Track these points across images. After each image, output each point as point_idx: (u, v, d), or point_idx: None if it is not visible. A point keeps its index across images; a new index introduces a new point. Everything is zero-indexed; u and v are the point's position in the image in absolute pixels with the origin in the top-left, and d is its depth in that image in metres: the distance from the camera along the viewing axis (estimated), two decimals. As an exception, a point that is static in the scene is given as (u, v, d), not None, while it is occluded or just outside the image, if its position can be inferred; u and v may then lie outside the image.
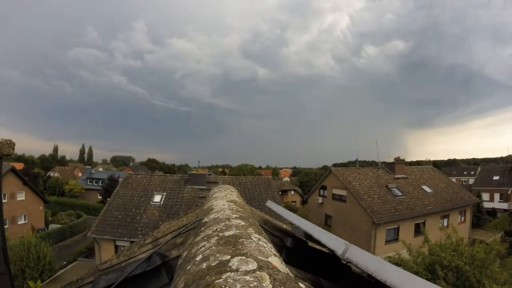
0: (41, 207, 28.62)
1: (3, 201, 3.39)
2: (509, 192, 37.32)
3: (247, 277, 0.58)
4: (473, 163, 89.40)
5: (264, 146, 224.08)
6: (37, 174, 47.96)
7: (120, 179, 32.43)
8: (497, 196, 38.77)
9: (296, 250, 1.51)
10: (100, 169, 68.98)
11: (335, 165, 59.91)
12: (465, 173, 60.24)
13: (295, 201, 52.86)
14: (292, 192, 56.29)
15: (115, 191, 18.95)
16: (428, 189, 21.90)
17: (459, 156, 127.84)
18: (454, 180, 31.76)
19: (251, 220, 1.24)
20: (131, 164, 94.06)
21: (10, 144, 2.41)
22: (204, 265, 0.69)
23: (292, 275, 0.67)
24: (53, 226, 27.81)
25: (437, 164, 58.45)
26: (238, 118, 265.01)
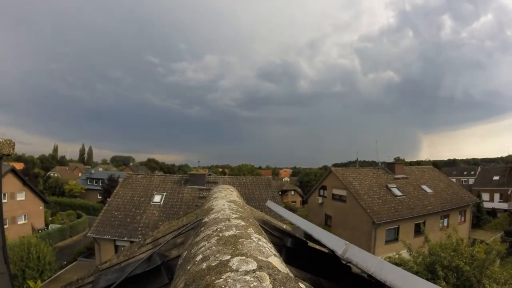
0: (41, 207, 28.61)
1: (3, 201, 3.39)
2: (509, 192, 37.30)
3: (247, 277, 0.58)
4: (473, 163, 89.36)
5: (264, 147, 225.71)
6: (37, 174, 47.98)
7: (120, 179, 32.43)
8: (497, 196, 38.75)
9: (296, 250, 1.51)
10: (100, 169, 68.97)
11: (335, 165, 59.89)
12: (465, 173, 60.21)
13: (295, 201, 52.87)
14: (292, 192, 56.30)
15: (115, 191, 18.94)
16: (428, 189, 21.89)
17: (459, 156, 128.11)
18: (454, 180, 31.76)
19: (251, 220, 1.24)
20: (131, 164, 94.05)
21: (10, 144, 2.41)
22: (204, 265, 0.69)
23: (292, 275, 0.67)
24: (53, 226, 27.81)
25: (437, 164, 58.33)
26: (243, 122, 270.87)
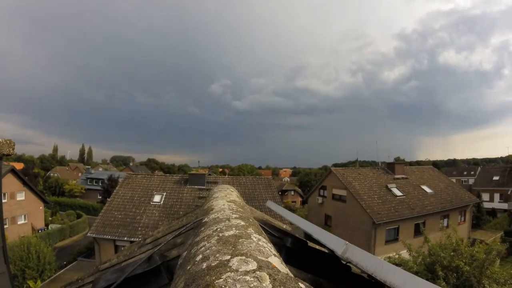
0: (41, 207, 28.61)
1: (3, 201, 3.39)
2: (509, 192, 37.29)
3: (247, 277, 0.58)
4: (473, 163, 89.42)
5: (265, 147, 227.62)
6: (37, 174, 47.91)
7: (120, 179, 32.42)
8: (497, 196, 38.75)
9: (296, 250, 1.51)
10: (100, 169, 68.98)
11: (335, 165, 60.02)
12: (465, 173, 60.20)
13: (295, 201, 52.86)
14: (292, 192, 56.29)
15: (115, 191, 18.94)
16: (428, 189, 21.89)
17: (459, 156, 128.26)
18: (454, 180, 31.74)
19: (251, 220, 1.23)
20: (131, 164, 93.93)
21: (10, 144, 2.41)
22: (204, 265, 0.69)
23: (292, 275, 0.67)
24: (53, 226, 27.80)
25: (437, 164, 58.48)
26: (251, 125, 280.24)
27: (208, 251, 0.79)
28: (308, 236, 1.95)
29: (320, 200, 24.65)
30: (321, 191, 24.93)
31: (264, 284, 0.55)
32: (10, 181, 24.10)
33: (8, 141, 2.37)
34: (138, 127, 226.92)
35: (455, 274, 7.90)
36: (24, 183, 26.15)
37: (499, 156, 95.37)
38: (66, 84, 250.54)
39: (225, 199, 1.85)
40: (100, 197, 42.45)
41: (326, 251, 1.79)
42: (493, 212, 33.63)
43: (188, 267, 0.76)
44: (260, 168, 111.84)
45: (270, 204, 3.35)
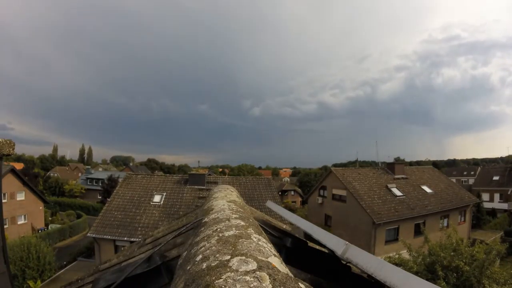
0: (41, 207, 28.62)
1: (3, 201, 3.39)
2: (509, 192, 37.30)
3: (247, 277, 0.58)
4: (473, 163, 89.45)
5: (265, 147, 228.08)
6: (37, 174, 47.93)
7: (120, 179, 32.41)
8: (497, 196, 38.76)
9: (296, 250, 1.51)
10: (100, 169, 69.01)
11: (335, 165, 59.93)
12: (465, 173, 60.19)
13: (295, 201, 52.85)
14: (292, 192, 56.29)
15: (114, 191, 18.94)
16: (428, 189, 21.89)
17: (459, 156, 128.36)
18: (454, 180, 31.75)
19: (251, 220, 1.23)
20: (131, 164, 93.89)
21: (10, 144, 2.40)
22: (204, 265, 0.69)
23: (292, 275, 0.67)
24: (53, 226, 27.81)
25: (437, 164, 58.45)
26: (249, 125, 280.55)
27: (208, 251, 0.79)
28: (308, 236, 1.95)
29: (320, 200, 24.64)
30: (321, 191, 24.93)
31: (264, 284, 0.55)
32: (10, 181, 24.11)
33: (8, 141, 2.37)
34: (140, 128, 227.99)
35: (455, 274, 7.90)
36: (24, 183, 26.15)
37: (499, 156, 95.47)
38: (71, 84, 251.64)
39: (225, 199, 1.85)
40: (100, 197, 42.44)
41: (326, 251, 1.79)
42: (493, 212, 33.59)
43: (188, 267, 0.76)
44: (260, 168, 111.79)
45: (270, 204, 3.35)
